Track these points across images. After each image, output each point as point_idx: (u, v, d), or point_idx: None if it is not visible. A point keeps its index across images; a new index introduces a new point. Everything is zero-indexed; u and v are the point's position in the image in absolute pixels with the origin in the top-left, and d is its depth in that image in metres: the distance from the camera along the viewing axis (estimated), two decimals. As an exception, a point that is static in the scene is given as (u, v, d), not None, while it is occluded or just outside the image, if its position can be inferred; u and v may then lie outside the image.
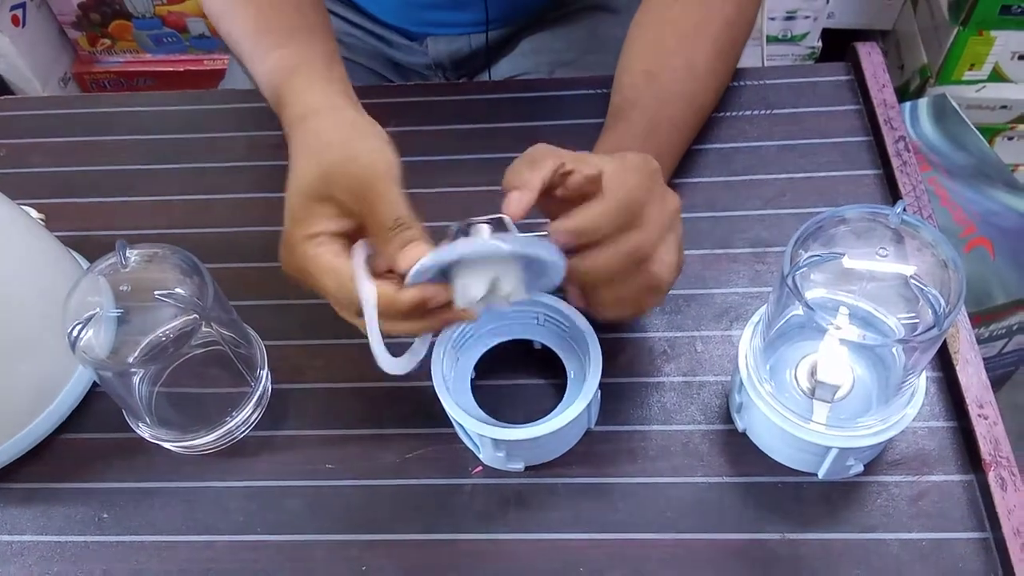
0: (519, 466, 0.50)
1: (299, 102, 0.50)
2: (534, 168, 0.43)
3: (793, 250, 0.41)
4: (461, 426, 0.49)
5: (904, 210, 0.40)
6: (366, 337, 0.43)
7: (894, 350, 0.45)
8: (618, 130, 0.56)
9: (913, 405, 0.45)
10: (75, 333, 0.45)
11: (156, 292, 0.47)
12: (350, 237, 0.45)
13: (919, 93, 1.39)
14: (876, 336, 0.43)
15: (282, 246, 0.46)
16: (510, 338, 0.54)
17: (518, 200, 0.42)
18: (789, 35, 1.49)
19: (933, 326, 0.39)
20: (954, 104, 1.27)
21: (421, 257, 0.42)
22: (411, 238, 0.43)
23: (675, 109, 0.58)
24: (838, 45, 1.54)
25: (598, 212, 0.44)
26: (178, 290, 0.48)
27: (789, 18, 1.46)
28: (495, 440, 0.47)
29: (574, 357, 0.52)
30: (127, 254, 0.47)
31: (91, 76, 1.59)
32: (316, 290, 0.46)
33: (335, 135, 0.47)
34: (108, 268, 0.47)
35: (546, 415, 0.48)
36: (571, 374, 0.52)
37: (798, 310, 0.45)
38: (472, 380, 0.53)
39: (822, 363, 0.46)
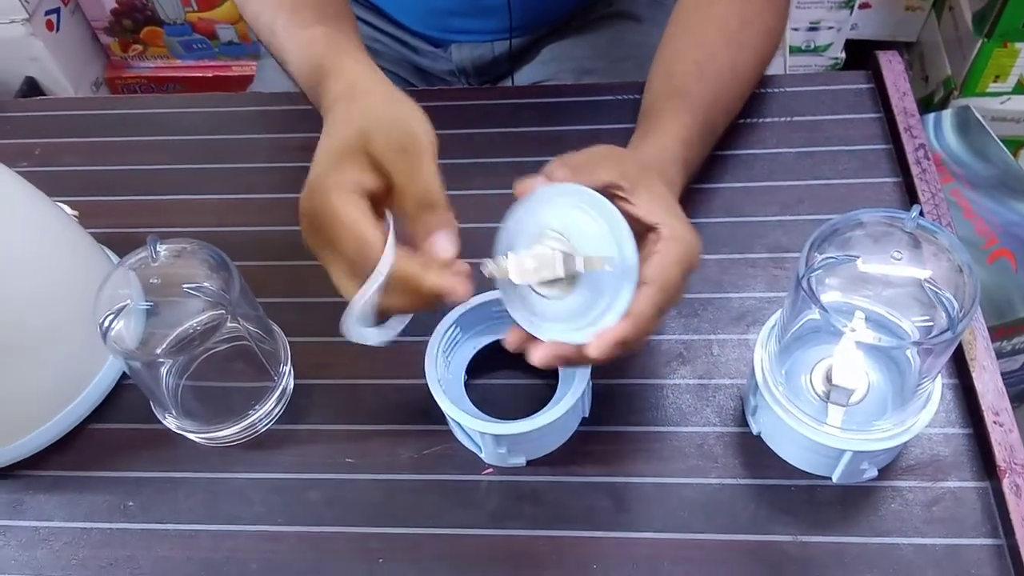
0: (521, 460, 0.51)
1: (345, 76, 0.50)
2: (589, 174, 0.44)
3: (808, 252, 0.42)
4: (460, 426, 0.50)
5: (920, 214, 0.40)
6: (343, 298, 0.43)
7: (909, 353, 0.45)
8: (675, 120, 0.55)
9: (928, 410, 0.45)
10: (106, 324, 0.46)
11: (184, 285, 0.49)
12: (373, 200, 0.44)
13: (943, 105, 1.38)
14: (891, 338, 0.43)
15: (305, 188, 0.44)
16: (500, 337, 0.55)
17: (527, 181, 0.44)
18: (812, 46, 1.49)
19: (947, 329, 0.39)
20: (978, 116, 1.27)
21: (450, 248, 0.42)
22: (444, 222, 0.43)
23: (718, 111, 0.59)
24: (861, 56, 1.53)
25: (650, 303, 0.42)
26: (206, 284, 0.49)
27: (812, 29, 1.46)
28: (496, 436, 0.48)
29: None
30: (157, 249, 0.48)
31: (122, 81, 1.62)
32: (324, 242, 0.44)
33: (380, 104, 0.47)
34: (138, 262, 0.49)
35: (539, 409, 0.49)
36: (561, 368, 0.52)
37: (814, 314, 0.46)
38: (465, 381, 0.54)
39: (837, 367, 0.46)
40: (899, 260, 0.41)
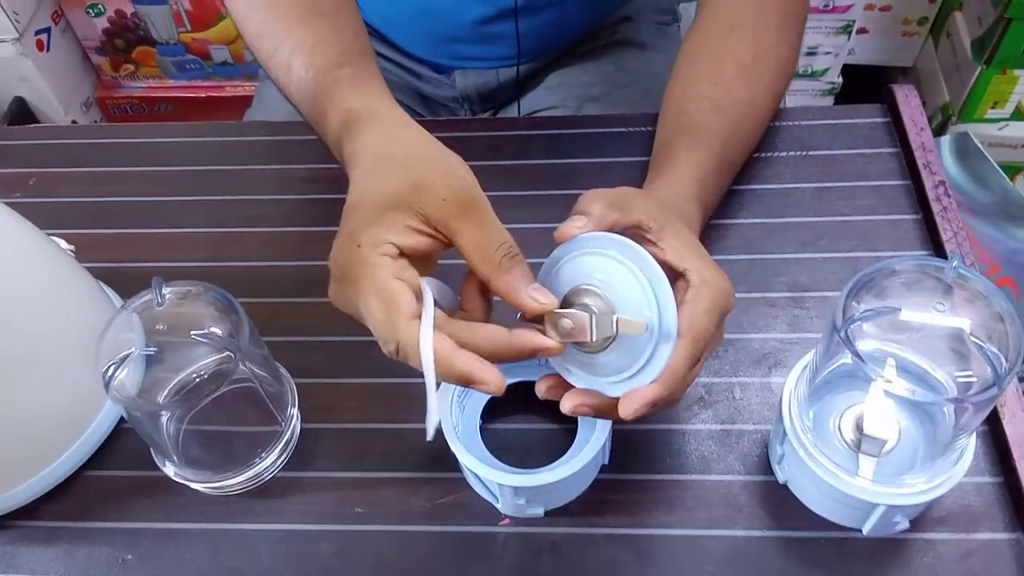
0: (539, 511, 0.49)
1: (376, 108, 0.48)
2: (623, 212, 0.42)
3: (845, 303, 0.40)
4: (476, 476, 0.48)
5: (959, 264, 0.39)
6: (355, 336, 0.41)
7: (945, 408, 0.43)
8: (689, 157, 0.54)
9: (963, 463, 0.44)
10: (109, 372, 0.44)
11: (192, 332, 0.47)
12: (411, 259, 0.41)
13: (940, 130, 1.38)
14: (928, 393, 0.42)
15: (338, 239, 0.42)
16: (514, 380, 0.53)
17: (579, 227, 0.41)
18: (810, 70, 1.49)
19: (992, 384, 0.38)
20: (976, 142, 1.27)
21: (548, 303, 0.40)
22: (528, 274, 0.40)
23: (734, 147, 0.57)
24: (858, 81, 1.54)
25: (682, 358, 0.41)
26: (213, 329, 0.47)
27: (810, 54, 1.47)
28: (515, 488, 0.46)
29: None
30: (163, 291, 0.46)
31: (113, 101, 1.60)
32: (353, 303, 0.41)
33: (427, 148, 0.43)
34: (142, 305, 0.47)
35: (557, 456, 0.48)
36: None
37: (845, 359, 0.44)
38: (479, 426, 0.52)
39: (869, 416, 0.45)
40: (942, 311, 0.40)
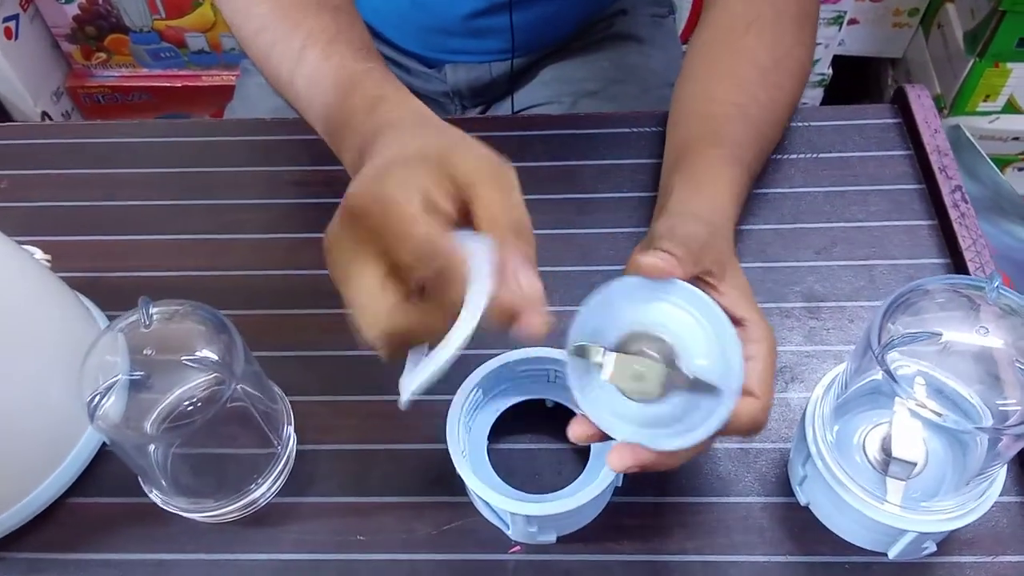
0: (551, 537, 0.47)
1: (410, 101, 0.46)
2: (694, 264, 0.40)
3: (881, 324, 0.38)
4: (486, 503, 0.46)
5: (1000, 285, 0.37)
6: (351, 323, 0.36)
7: (978, 437, 0.42)
8: (725, 173, 0.51)
9: (995, 488, 0.42)
10: (94, 401, 0.41)
11: (183, 357, 0.44)
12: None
13: (931, 123, 1.37)
14: (961, 420, 0.40)
15: (357, 178, 0.37)
16: (522, 398, 0.51)
17: (655, 264, 0.39)
18: (800, 61, 1.47)
19: (1037, 414, 0.36)
20: (969, 136, 1.26)
21: (539, 284, 0.36)
22: (532, 258, 0.37)
23: (760, 159, 0.55)
24: (848, 72, 1.52)
25: (753, 418, 0.39)
26: (205, 352, 0.44)
27: (801, 44, 1.44)
28: (527, 516, 0.44)
29: None
30: (150, 312, 0.43)
31: (85, 90, 1.54)
32: (363, 238, 0.35)
33: (459, 134, 0.41)
34: (128, 326, 0.44)
35: (567, 477, 0.46)
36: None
37: (873, 376, 0.42)
38: (487, 447, 0.50)
39: (897, 438, 0.43)
40: (985, 335, 0.38)
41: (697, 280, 0.40)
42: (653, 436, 0.38)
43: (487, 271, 0.35)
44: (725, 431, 0.38)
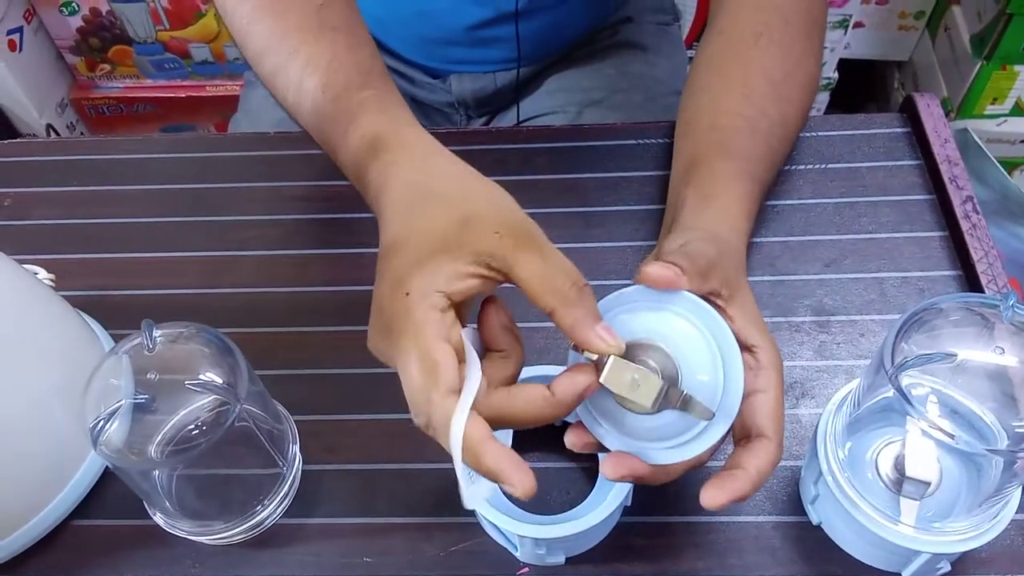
0: (560, 559, 0.46)
1: (405, 134, 0.44)
2: (700, 280, 0.39)
3: (895, 343, 0.38)
4: (494, 525, 0.45)
5: (1015, 303, 0.36)
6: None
7: (993, 458, 0.41)
8: (737, 189, 0.50)
9: (1010, 507, 0.41)
10: (97, 427, 0.41)
11: (187, 381, 0.43)
12: (458, 309, 0.37)
13: (939, 126, 1.36)
14: (974, 442, 0.39)
15: (381, 283, 0.38)
16: None
17: (662, 274, 0.38)
18: (805, 65, 1.47)
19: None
20: (976, 139, 1.25)
21: (616, 346, 0.36)
22: (596, 312, 0.37)
23: (771, 173, 0.54)
24: (854, 76, 1.52)
25: (770, 461, 0.39)
26: (209, 375, 0.44)
27: (806, 49, 1.44)
28: (536, 539, 0.43)
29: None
30: (153, 335, 0.42)
31: (89, 102, 1.55)
32: (392, 357, 0.37)
33: (468, 179, 0.40)
34: (132, 349, 0.43)
35: (576, 497, 0.45)
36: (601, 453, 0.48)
37: (885, 393, 0.42)
38: None
39: (911, 458, 0.42)
40: (1002, 355, 0.37)
41: (704, 300, 0.39)
42: (642, 448, 0.38)
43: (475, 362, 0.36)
44: (759, 478, 0.38)
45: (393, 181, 0.41)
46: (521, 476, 0.34)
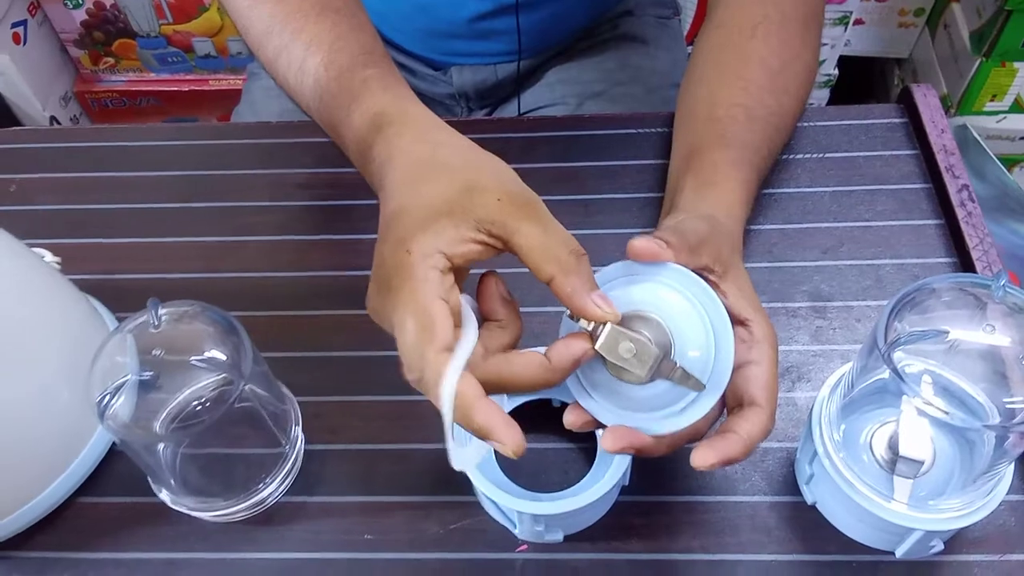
0: (558, 536, 0.47)
1: (409, 110, 0.45)
2: (696, 255, 0.40)
3: (888, 322, 0.38)
4: (492, 501, 0.46)
5: (1007, 283, 0.37)
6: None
7: (985, 434, 0.42)
8: (735, 177, 0.51)
9: (1003, 486, 0.42)
10: (104, 401, 0.41)
11: (192, 358, 0.44)
12: (456, 275, 0.38)
13: (938, 123, 1.37)
14: (968, 418, 0.40)
15: (382, 244, 0.38)
16: (529, 399, 0.51)
17: (647, 246, 0.39)
18: (805, 62, 1.47)
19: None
20: (975, 135, 1.25)
21: (612, 313, 0.36)
22: (591, 278, 0.37)
23: (768, 162, 0.55)
24: (854, 72, 1.52)
25: (762, 429, 0.39)
26: (213, 353, 0.44)
27: (806, 45, 1.44)
28: (534, 515, 0.44)
29: None
30: (159, 313, 0.43)
31: (93, 95, 1.55)
32: (389, 316, 0.37)
33: (472, 151, 0.41)
34: (137, 327, 0.44)
35: (574, 476, 0.46)
36: (599, 430, 0.49)
37: (880, 375, 0.42)
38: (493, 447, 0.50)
39: (904, 437, 0.43)
40: (992, 332, 0.38)
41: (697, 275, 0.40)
42: (635, 419, 0.39)
43: (472, 323, 0.36)
44: (750, 443, 0.39)
45: (398, 153, 0.41)
46: (511, 433, 0.35)
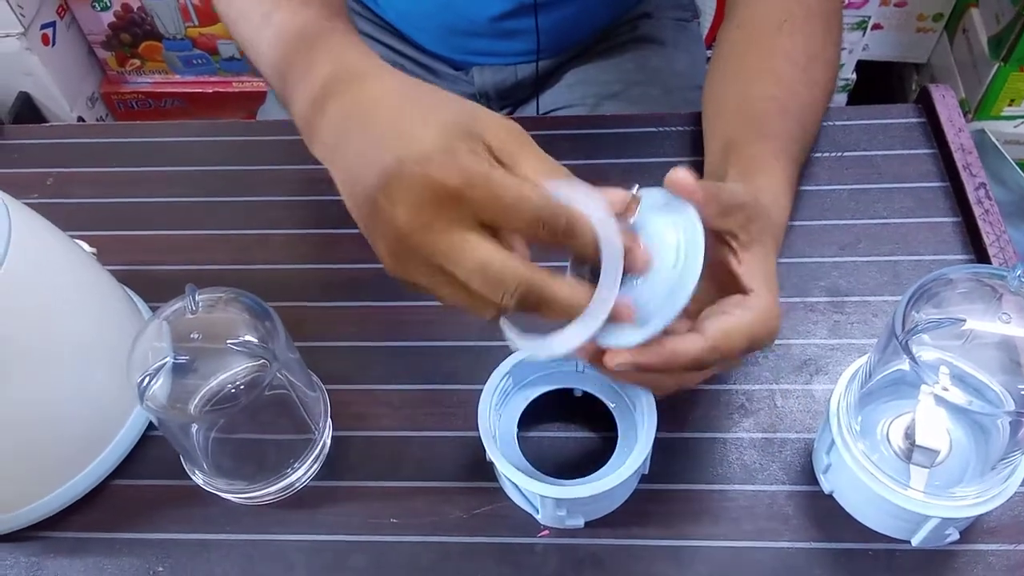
0: (579, 522, 0.48)
1: (382, 65, 0.43)
2: (717, 211, 0.40)
3: (905, 311, 0.39)
4: (515, 486, 0.47)
5: (1022, 273, 0.38)
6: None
7: (999, 422, 0.42)
8: (778, 166, 0.51)
9: (1017, 475, 0.43)
10: (144, 383, 0.43)
11: (228, 341, 0.45)
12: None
13: (956, 127, 1.37)
14: (986, 405, 0.40)
15: (416, 158, 0.36)
16: (551, 388, 0.52)
17: (684, 179, 0.39)
18: (823, 66, 1.48)
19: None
20: (994, 140, 1.25)
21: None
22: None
23: (805, 154, 0.56)
24: (872, 77, 1.53)
25: (692, 354, 0.39)
26: (248, 337, 0.46)
27: (824, 50, 1.45)
28: (557, 500, 0.45)
29: (619, 400, 0.50)
30: (196, 299, 0.45)
31: (119, 96, 1.58)
32: (456, 218, 0.36)
33: (444, 93, 0.40)
34: (174, 313, 0.45)
35: (595, 464, 0.47)
36: (618, 416, 0.50)
37: (899, 365, 0.43)
38: (516, 434, 0.51)
39: (921, 426, 0.43)
40: (1008, 322, 0.39)
41: (720, 240, 0.40)
42: (600, 329, 0.38)
43: (613, 229, 0.37)
44: (672, 357, 0.39)
45: (388, 94, 0.40)
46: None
